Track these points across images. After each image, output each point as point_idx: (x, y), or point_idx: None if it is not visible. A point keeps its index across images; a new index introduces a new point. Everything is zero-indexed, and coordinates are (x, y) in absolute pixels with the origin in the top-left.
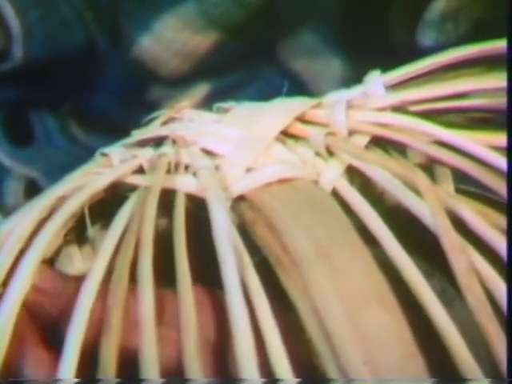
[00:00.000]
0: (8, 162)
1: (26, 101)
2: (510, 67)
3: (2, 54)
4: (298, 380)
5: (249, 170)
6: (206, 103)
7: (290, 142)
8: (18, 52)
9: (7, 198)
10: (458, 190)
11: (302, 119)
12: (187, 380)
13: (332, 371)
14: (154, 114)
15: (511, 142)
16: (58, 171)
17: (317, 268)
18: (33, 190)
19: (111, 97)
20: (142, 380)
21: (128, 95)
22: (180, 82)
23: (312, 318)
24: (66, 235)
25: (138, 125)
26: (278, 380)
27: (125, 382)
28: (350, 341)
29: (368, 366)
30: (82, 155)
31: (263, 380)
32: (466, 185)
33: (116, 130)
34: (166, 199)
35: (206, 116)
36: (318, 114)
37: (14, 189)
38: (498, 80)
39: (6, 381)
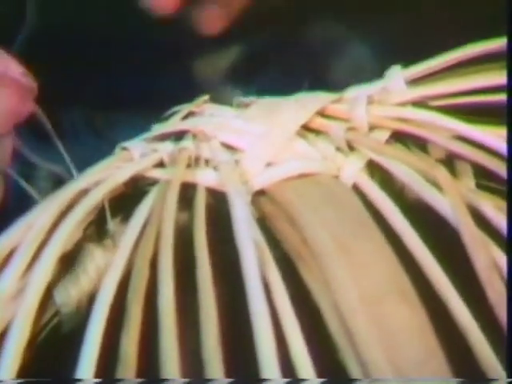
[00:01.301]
0: (34, 158)
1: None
2: (510, 64)
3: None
4: (321, 380)
5: (269, 164)
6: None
7: (310, 136)
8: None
9: (36, 195)
10: (478, 186)
11: (322, 114)
12: (209, 380)
13: (352, 366)
14: (174, 109)
15: (511, 138)
16: (85, 167)
17: (337, 262)
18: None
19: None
20: (163, 380)
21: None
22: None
23: (332, 313)
24: (86, 229)
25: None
26: (300, 380)
27: (146, 381)
28: (370, 336)
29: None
30: (108, 150)
31: (286, 380)
32: (486, 180)
33: (141, 124)
34: (187, 193)
35: (226, 110)
36: (339, 109)
37: (42, 187)
38: None
39: (26, 381)
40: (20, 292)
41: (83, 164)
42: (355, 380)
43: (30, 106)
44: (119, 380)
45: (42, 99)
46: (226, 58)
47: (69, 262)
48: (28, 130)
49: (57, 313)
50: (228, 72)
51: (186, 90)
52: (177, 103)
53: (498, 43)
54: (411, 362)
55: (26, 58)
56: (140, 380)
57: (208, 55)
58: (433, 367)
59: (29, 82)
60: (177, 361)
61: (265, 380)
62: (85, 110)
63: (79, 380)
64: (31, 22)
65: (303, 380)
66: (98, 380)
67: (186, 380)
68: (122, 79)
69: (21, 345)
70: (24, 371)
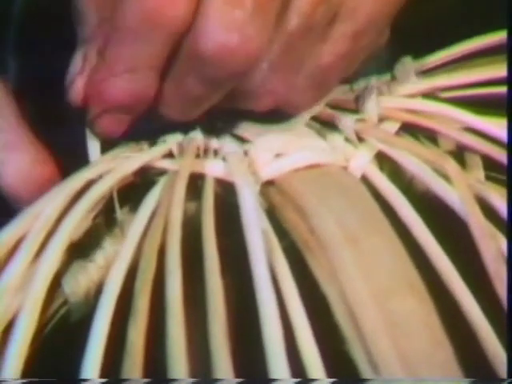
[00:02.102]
0: None
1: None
2: (511, 58)
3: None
4: (332, 380)
5: (278, 155)
6: None
7: (319, 127)
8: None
9: None
10: (488, 178)
11: (332, 105)
12: (216, 380)
13: (360, 357)
14: None
15: (511, 131)
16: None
17: (345, 253)
18: None
19: None
20: (171, 380)
21: None
22: None
23: (340, 304)
24: (94, 218)
25: None
26: (309, 380)
27: (153, 381)
28: (378, 327)
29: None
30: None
31: (295, 380)
32: (495, 172)
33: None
34: (195, 184)
35: None
36: (349, 101)
37: None
38: None
39: (31, 381)
40: (28, 281)
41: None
42: (366, 380)
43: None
44: (125, 380)
45: (53, 90)
46: None
47: (77, 252)
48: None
49: (65, 302)
50: None
51: None
52: None
53: (504, 35)
54: (418, 353)
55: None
56: (147, 380)
57: None
58: (440, 359)
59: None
60: (183, 351)
61: (274, 380)
62: None
63: (85, 380)
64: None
65: (313, 380)
66: (104, 380)
67: (194, 380)
68: None
69: (29, 334)
70: (32, 360)
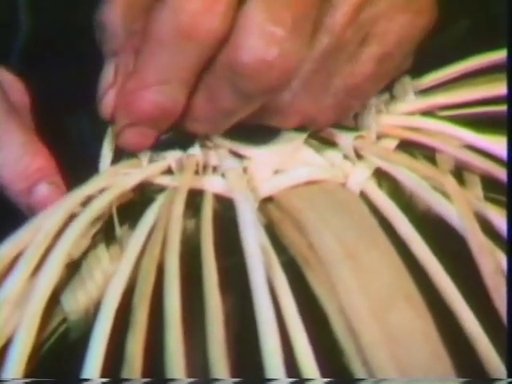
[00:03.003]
0: None
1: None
2: (510, 73)
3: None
4: (326, 380)
5: (277, 171)
6: None
7: (318, 145)
8: (24, 22)
9: None
10: (486, 198)
11: None
12: (214, 380)
13: (359, 370)
14: None
15: (511, 146)
16: (92, 174)
17: (344, 268)
18: None
19: None
20: (169, 380)
21: None
22: None
23: (339, 318)
24: (93, 236)
25: None
26: (305, 380)
27: (152, 381)
28: (376, 340)
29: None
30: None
31: (291, 380)
32: (494, 192)
33: None
34: (194, 200)
35: None
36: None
37: None
38: None
39: (33, 380)
40: (26, 296)
41: (91, 172)
42: (360, 380)
43: None
44: (125, 380)
45: (49, 108)
46: None
47: (76, 268)
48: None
49: (64, 319)
50: None
51: None
52: None
53: (504, 54)
54: (417, 365)
55: (30, 68)
56: (146, 380)
57: None
58: (438, 371)
59: None
60: (182, 365)
61: (270, 380)
62: (91, 118)
63: (86, 380)
64: (28, 32)
65: (308, 380)
66: (104, 380)
67: (192, 380)
68: None
69: (27, 350)
70: (30, 377)
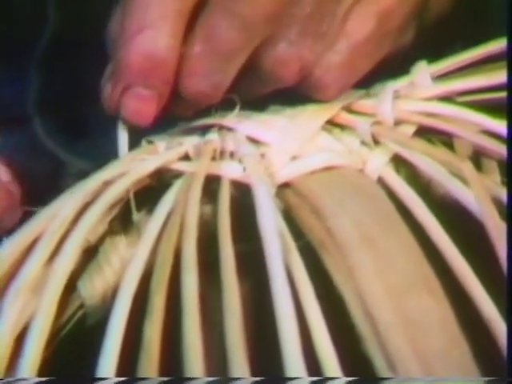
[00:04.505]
0: (63, 155)
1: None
2: (510, 64)
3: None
4: (348, 379)
5: (294, 158)
6: None
7: (336, 131)
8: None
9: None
10: (504, 183)
11: (348, 109)
12: (233, 378)
13: (376, 356)
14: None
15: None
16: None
17: (361, 253)
18: None
19: None
20: (187, 378)
21: None
22: None
23: (356, 303)
24: (111, 221)
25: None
26: (327, 378)
27: (169, 380)
28: (394, 325)
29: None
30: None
31: (312, 379)
32: None
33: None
34: (211, 186)
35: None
36: (365, 104)
37: (71, 184)
38: None
39: (48, 379)
40: (43, 282)
41: (110, 160)
42: (383, 379)
43: (18, 213)
44: (142, 378)
45: (69, 97)
46: None
47: (93, 254)
48: (56, 127)
49: (82, 305)
50: None
51: None
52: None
53: None
54: (435, 351)
55: (51, 58)
56: (163, 378)
57: None
58: (456, 357)
59: (16, 189)
60: (199, 351)
61: (291, 379)
62: None
63: (103, 378)
64: (54, 24)
65: (330, 378)
66: (121, 378)
67: (210, 378)
68: None
69: (44, 336)
70: (48, 363)
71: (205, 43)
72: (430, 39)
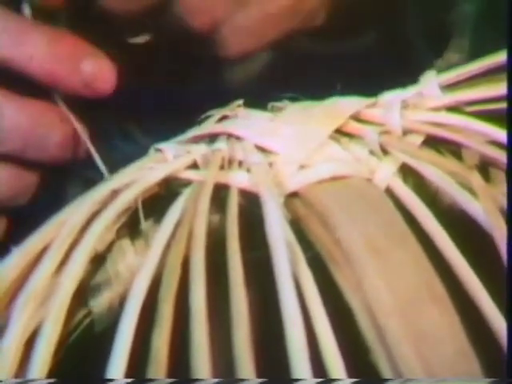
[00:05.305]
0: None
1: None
2: (510, 72)
3: None
4: (353, 380)
5: (302, 167)
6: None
7: (344, 140)
8: None
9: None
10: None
11: (356, 118)
12: (240, 380)
13: (384, 367)
14: (208, 112)
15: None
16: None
17: (370, 264)
18: None
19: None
20: (195, 380)
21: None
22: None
23: (364, 314)
24: (119, 230)
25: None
26: (331, 380)
27: (177, 381)
28: (402, 337)
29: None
30: (141, 155)
31: (317, 380)
32: None
33: (173, 127)
34: (219, 195)
35: (260, 114)
36: (373, 113)
37: (76, 192)
38: None
39: (56, 381)
40: (52, 290)
41: (116, 169)
42: (387, 380)
43: None
44: (150, 380)
45: (75, 106)
46: (258, 62)
47: (101, 262)
48: None
49: (89, 313)
50: (261, 76)
51: (220, 96)
52: (210, 109)
53: None
54: (443, 363)
55: None
56: (171, 380)
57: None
58: (464, 368)
59: None
60: (208, 361)
61: (296, 380)
62: (118, 115)
63: (110, 380)
64: None
65: (335, 380)
66: (129, 380)
67: (218, 380)
68: (156, 85)
69: (52, 344)
70: (55, 371)
71: None
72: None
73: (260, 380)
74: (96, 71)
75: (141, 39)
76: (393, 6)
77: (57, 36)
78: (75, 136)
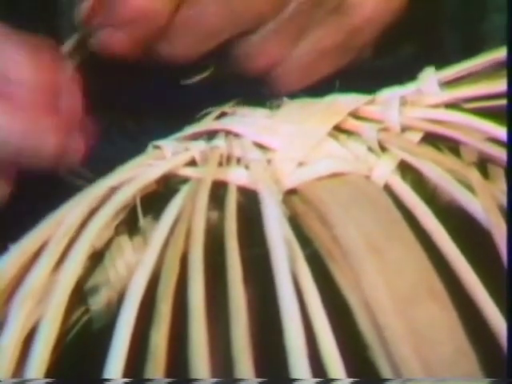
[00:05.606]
0: None
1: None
2: (510, 69)
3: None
4: (352, 380)
5: (301, 164)
6: None
7: (342, 137)
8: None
9: None
10: None
11: (355, 115)
12: (238, 380)
13: (382, 364)
14: (207, 110)
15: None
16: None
17: (368, 261)
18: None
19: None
20: (193, 379)
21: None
22: None
23: (363, 311)
24: (117, 227)
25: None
26: (330, 380)
27: (176, 381)
28: (401, 335)
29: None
30: (139, 153)
31: (316, 380)
32: None
33: (171, 126)
34: (218, 192)
35: (258, 111)
36: (372, 110)
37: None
38: None
39: (55, 380)
40: (50, 288)
41: (115, 166)
42: (387, 380)
43: None
44: (149, 380)
45: None
46: None
47: (99, 260)
48: None
49: (87, 310)
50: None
51: (218, 93)
52: (209, 106)
53: None
54: (441, 360)
55: None
56: (170, 380)
57: None
58: (463, 366)
59: None
60: (206, 358)
61: (295, 380)
62: (117, 114)
63: (108, 380)
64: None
65: (334, 380)
66: (127, 380)
67: (216, 380)
68: (154, 83)
69: (50, 342)
70: (53, 368)
71: (191, 18)
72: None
73: (259, 380)
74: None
75: (194, 80)
76: (431, 20)
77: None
78: (68, 144)
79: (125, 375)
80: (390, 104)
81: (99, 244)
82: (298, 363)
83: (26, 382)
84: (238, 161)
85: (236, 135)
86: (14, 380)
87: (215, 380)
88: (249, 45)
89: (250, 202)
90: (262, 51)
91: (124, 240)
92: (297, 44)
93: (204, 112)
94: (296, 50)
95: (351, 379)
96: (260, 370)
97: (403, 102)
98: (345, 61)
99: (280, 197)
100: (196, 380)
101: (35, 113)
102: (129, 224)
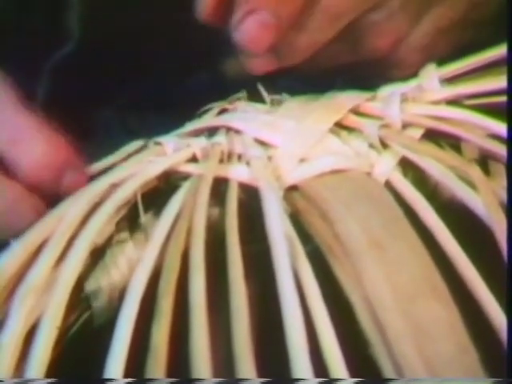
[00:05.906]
0: None
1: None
2: (510, 66)
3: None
4: (355, 380)
5: (302, 160)
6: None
7: (343, 133)
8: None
9: None
10: None
11: (356, 112)
12: (239, 380)
13: (384, 362)
14: (208, 106)
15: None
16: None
17: (369, 258)
18: None
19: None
20: (195, 379)
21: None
22: None
23: (364, 308)
24: (118, 223)
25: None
26: (333, 380)
27: (177, 381)
28: (402, 332)
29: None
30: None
31: (319, 380)
32: None
33: (173, 121)
34: (219, 188)
35: (259, 108)
36: (373, 107)
37: None
38: None
39: (56, 380)
40: (51, 284)
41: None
42: (389, 380)
43: None
44: (150, 380)
45: (77, 100)
46: None
47: (100, 256)
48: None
49: (88, 307)
50: None
51: (219, 89)
52: (210, 102)
53: None
54: (443, 358)
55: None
56: (171, 380)
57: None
58: (464, 363)
59: None
60: (207, 354)
61: (297, 380)
62: (118, 109)
63: (110, 380)
64: (72, 36)
65: (337, 380)
66: (129, 380)
67: (218, 380)
68: (156, 79)
69: (52, 337)
70: (55, 365)
71: (315, 2)
72: None
73: (262, 380)
74: (73, 184)
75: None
76: None
77: (52, 146)
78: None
79: (126, 371)
80: (391, 100)
81: (100, 240)
82: (299, 359)
83: (27, 381)
84: (239, 157)
85: (237, 131)
86: (16, 380)
87: (217, 380)
88: (377, 22)
89: (250, 199)
90: (386, 29)
91: (125, 236)
92: (419, 21)
93: (205, 108)
94: (415, 29)
95: (354, 379)
96: (261, 367)
97: (404, 98)
98: (464, 37)
99: (281, 193)
100: (198, 380)
101: (17, 190)
102: (130, 220)
